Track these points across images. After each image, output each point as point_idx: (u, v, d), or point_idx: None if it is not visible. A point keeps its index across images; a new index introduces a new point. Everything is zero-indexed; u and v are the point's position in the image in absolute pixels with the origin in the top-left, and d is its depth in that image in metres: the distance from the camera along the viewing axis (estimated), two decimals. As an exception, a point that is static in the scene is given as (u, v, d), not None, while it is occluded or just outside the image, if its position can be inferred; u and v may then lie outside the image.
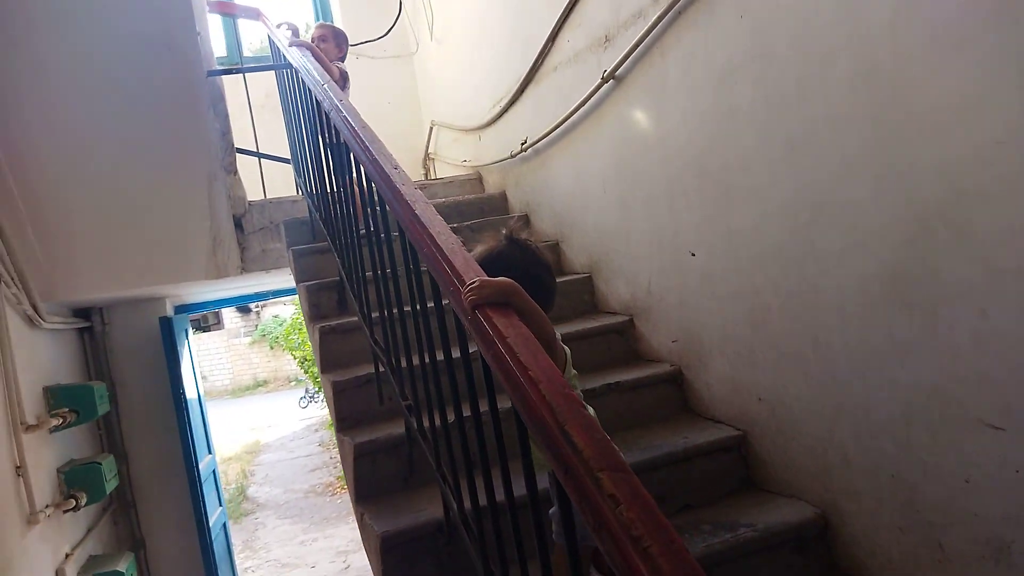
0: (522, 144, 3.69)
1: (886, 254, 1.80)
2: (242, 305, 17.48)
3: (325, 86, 2.74)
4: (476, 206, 4.02)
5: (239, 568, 6.83)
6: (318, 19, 5.71)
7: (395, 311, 2.24)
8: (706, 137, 2.39)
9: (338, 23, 5.63)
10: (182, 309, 5.17)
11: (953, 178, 1.61)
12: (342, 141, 2.58)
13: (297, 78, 3.14)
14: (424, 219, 1.75)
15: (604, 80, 2.86)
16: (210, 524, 4.61)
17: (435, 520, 2.13)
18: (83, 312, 4.51)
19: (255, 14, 3.90)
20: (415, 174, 5.45)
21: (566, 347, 1.71)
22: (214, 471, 5.08)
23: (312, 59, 2.99)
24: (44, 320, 3.55)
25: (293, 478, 9.38)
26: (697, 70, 2.38)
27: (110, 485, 3.78)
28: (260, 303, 16.64)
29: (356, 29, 5.54)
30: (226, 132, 3.69)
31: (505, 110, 3.88)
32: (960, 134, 1.57)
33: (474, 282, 1.44)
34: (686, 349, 2.70)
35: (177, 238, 3.72)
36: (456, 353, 1.64)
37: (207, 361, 17.59)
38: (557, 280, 3.27)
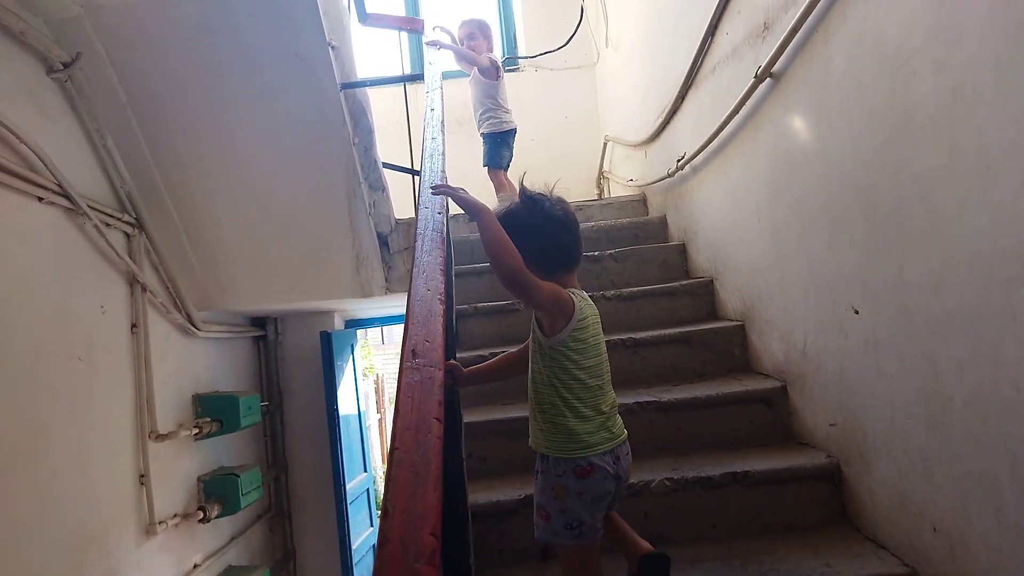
0: (678, 160, 3.12)
1: None
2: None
3: (432, 109, 2.43)
4: (630, 232, 3.50)
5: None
6: (502, 29, 5.52)
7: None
8: (875, 148, 1.71)
9: (520, 33, 5.41)
10: (352, 324, 5.22)
11: None
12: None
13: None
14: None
15: (758, 79, 2.24)
16: (354, 546, 4.54)
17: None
18: (260, 321, 4.71)
19: (412, 24, 3.76)
20: (588, 194, 5.03)
21: (577, 294, 1.55)
22: (368, 490, 5.04)
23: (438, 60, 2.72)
24: (199, 329, 3.66)
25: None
26: (865, 56, 1.71)
27: (248, 498, 3.80)
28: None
29: (538, 39, 5.28)
30: (369, 148, 3.56)
31: (667, 121, 3.33)
32: None
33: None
34: (846, 438, 1.99)
35: (321, 255, 3.67)
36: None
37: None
38: (709, 327, 2.69)
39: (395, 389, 2.11)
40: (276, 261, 3.63)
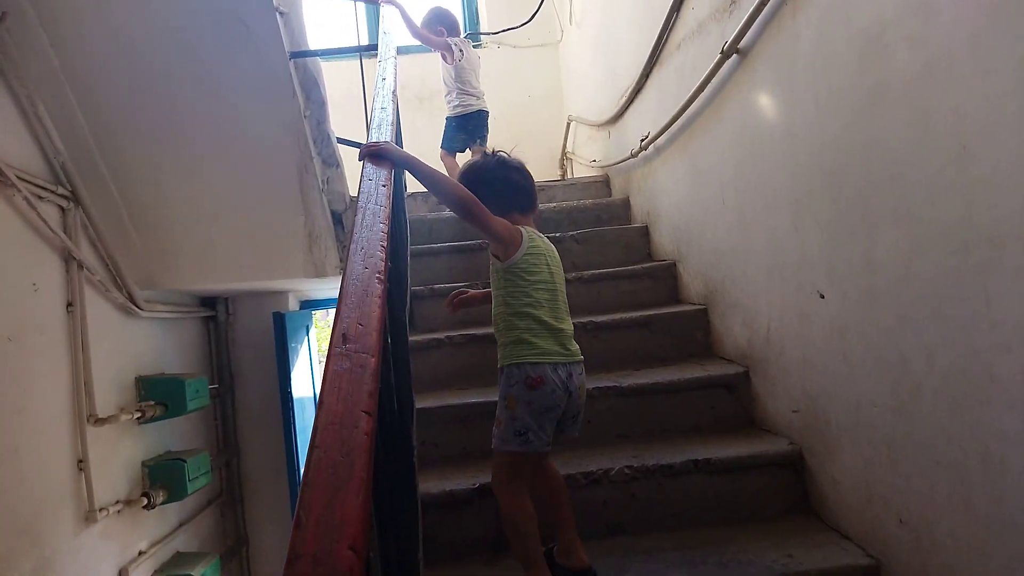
0: (641, 140, 3.04)
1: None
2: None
3: (383, 79, 2.31)
4: (593, 214, 3.42)
5: None
6: (463, 4, 5.38)
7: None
8: (842, 129, 1.65)
9: (482, 9, 5.28)
10: (308, 305, 5.07)
11: None
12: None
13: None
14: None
15: (724, 55, 2.17)
16: (309, 533, 4.42)
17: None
18: (210, 301, 4.54)
19: (367, -4, 3.61)
20: (552, 174, 4.94)
21: (528, 230, 1.73)
22: (325, 476, 4.92)
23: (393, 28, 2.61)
24: (141, 308, 3.49)
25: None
26: (834, 32, 1.65)
27: (196, 484, 3.66)
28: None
29: (501, 15, 5.16)
30: (322, 121, 3.40)
31: (630, 101, 3.25)
32: None
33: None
34: (809, 426, 1.95)
35: (272, 233, 3.51)
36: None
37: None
38: (671, 311, 2.64)
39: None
40: (223, 239, 3.47)
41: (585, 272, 2.86)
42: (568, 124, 4.72)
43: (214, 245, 3.50)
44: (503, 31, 4.95)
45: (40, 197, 2.70)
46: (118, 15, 2.67)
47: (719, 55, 2.19)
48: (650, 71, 2.96)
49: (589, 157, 4.21)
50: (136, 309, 3.45)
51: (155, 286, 3.60)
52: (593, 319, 2.57)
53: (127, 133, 3.00)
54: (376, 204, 1.26)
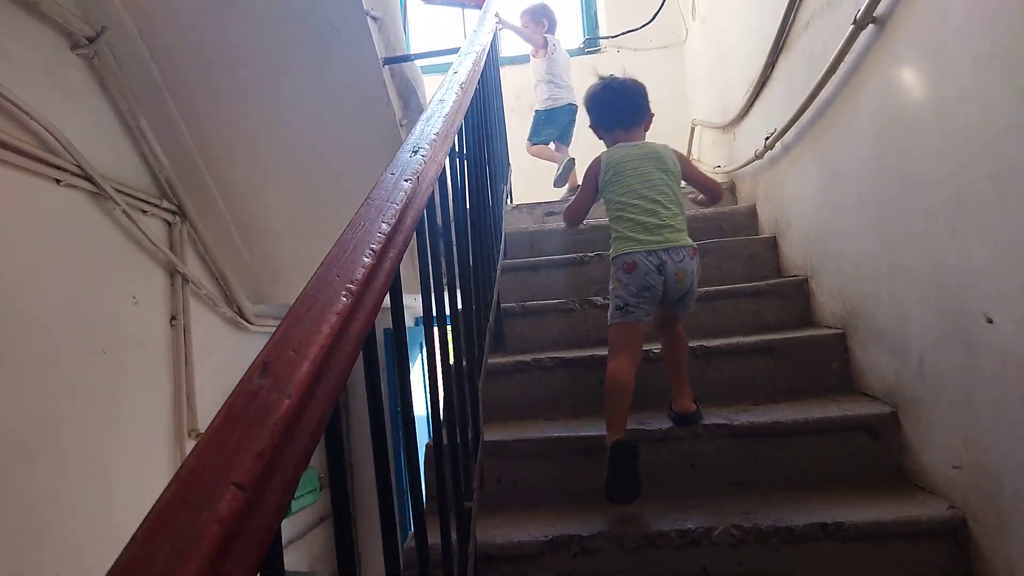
0: (765, 139, 2.66)
1: None
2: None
3: (467, 56, 2.12)
4: (714, 224, 3.05)
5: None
6: (582, 7, 5.16)
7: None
8: (1011, 101, 1.25)
9: (601, 12, 5.03)
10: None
11: None
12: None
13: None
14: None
15: (857, 25, 1.79)
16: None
17: None
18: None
19: (475, 0, 3.48)
20: (676, 184, 4.57)
21: (611, 150, 2.01)
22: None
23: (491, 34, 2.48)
24: (251, 323, 3.50)
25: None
26: (1001, -26, 1.26)
27: (301, 502, 3.64)
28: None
29: (622, 18, 4.88)
30: (423, 131, 3.27)
31: (756, 95, 2.87)
32: None
33: None
34: (976, 486, 1.51)
35: (375, 248, 3.42)
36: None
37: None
38: (800, 335, 2.25)
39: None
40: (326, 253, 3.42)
41: (699, 289, 2.50)
42: (692, 129, 4.33)
43: (321, 260, 3.47)
44: (623, 33, 4.67)
45: (144, 211, 2.73)
46: (216, 28, 2.65)
47: (852, 26, 1.81)
48: (776, 59, 2.57)
49: (713, 163, 3.82)
50: (246, 323, 3.47)
51: (266, 301, 3.61)
52: (704, 343, 2.22)
53: (231, 147, 3.01)
54: (385, 199, 1.04)
